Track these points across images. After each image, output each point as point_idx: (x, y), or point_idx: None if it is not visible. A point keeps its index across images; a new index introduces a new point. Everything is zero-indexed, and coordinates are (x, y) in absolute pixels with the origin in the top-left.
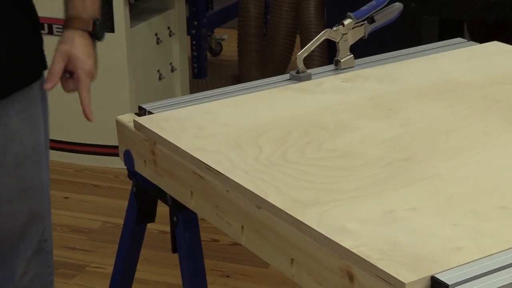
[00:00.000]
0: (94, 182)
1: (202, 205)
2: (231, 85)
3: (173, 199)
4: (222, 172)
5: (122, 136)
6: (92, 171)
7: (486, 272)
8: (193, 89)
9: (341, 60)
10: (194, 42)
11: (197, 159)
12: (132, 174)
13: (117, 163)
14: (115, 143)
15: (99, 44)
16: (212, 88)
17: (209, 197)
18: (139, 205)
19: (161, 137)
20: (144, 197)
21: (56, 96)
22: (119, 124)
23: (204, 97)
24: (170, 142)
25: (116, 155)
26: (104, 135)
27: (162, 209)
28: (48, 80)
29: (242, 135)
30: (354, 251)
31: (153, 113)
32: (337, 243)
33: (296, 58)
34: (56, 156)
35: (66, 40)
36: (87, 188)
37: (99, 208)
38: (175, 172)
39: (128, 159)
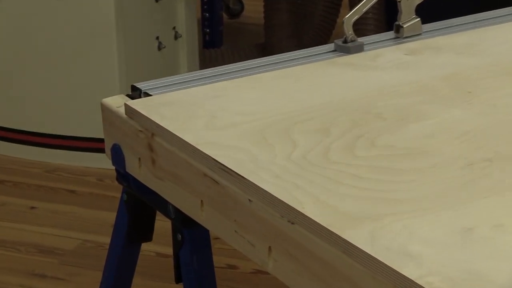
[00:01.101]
0: (70, 187)
1: (216, 219)
2: (254, 57)
3: (177, 211)
4: (243, 175)
5: (108, 126)
6: (68, 172)
7: None
8: (204, 63)
9: (404, 26)
10: (205, 0)
11: (210, 157)
12: (122, 176)
13: (101, 162)
14: (100, 135)
15: (77, 1)
16: (229, 61)
17: (225, 209)
18: (131, 219)
19: (162, 127)
20: (138, 208)
21: (18, 74)
22: (105, 110)
23: (219, 74)
24: (174, 135)
25: (101, 151)
26: (84, 124)
27: (162, 224)
28: None
29: (269, 126)
30: (420, 282)
31: (150, 95)
32: (396, 271)
33: (343, 22)
34: (19, 151)
35: None
36: (61, 195)
37: (77, 222)
38: (180, 174)
39: (117, 156)
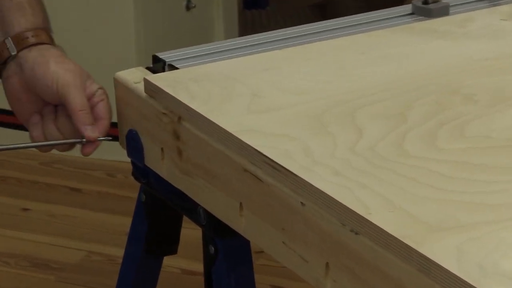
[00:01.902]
0: (72, 184)
1: (258, 227)
2: (309, 21)
3: (209, 216)
4: (294, 172)
5: (123, 107)
6: (70, 165)
7: None
8: (245, 28)
9: None
10: None
11: (252, 148)
12: (140, 171)
13: (112, 153)
14: (112, 119)
15: None
16: (277, 26)
17: (271, 214)
18: (150, 225)
19: (191, 109)
20: (160, 212)
21: None
22: (119, 86)
23: (264, 42)
24: (206, 119)
25: (113, 139)
26: None
27: (190, 233)
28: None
29: (328, 109)
30: None
31: (177, 68)
32: None
33: None
34: (11, 137)
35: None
36: (60, 194)
37: (80, 229)
38: (214, 169)
39: (134, 146)
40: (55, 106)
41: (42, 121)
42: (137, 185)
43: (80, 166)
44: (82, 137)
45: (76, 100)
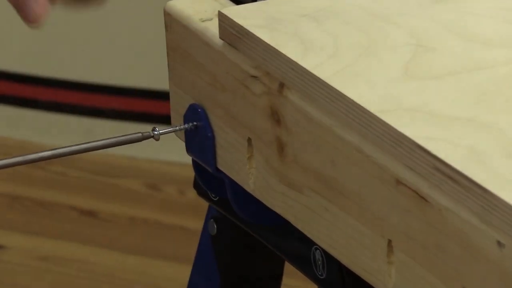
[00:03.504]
0: (82, 203)
1: (421, 283)
2: None
3: (331, 264)
4: (489, 189)
5: (180, 64)
6: (85, 167)
7: None
8: None
9: None
10: None
11: (413, 142)
12: (209, 181)
13: (156, 148)
14: (156, 85)
15: None
16: None
17: (442, 261)
18: (227, 276)
19: (305, 70)
20: (244, 254)
21: None
22: (173, 26)
23: None
24: (332, 89)
25: (158, 120)
26: (116, 64)
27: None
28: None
29: None
30: None
31: None
32: None
33: None
34: None
35: None
36: (65, 218)
37: (98, 277)
38: (342, 180)
39: (198, 135)
40: None
41: None
42: (200, 205)
43: (95, 169)
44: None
45: None
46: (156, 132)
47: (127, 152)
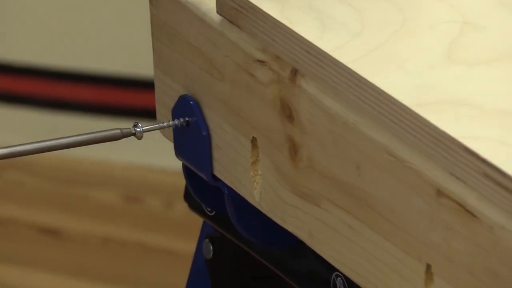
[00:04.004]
0: (44, 221)
1: None
2: None
3: None
4: None
5: (168, 46)
6: (47, 174)
7: None
8: None
9: None
10: None
11: (459, 144)
12: (202, 192)
13: (135, 149)
14: (139, 71)
15: None
16: None
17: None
18: None
19: (325, 53)
20: (246, 276)
21: None
22: (161, 1)
23: None
24: (358, 76)
25: (139, 115)
26: (93, 48)
27: None
28: None
29: None
30: None
31: None
32: None
33: None
34: None
35: None
36: (23, 236)
37: None
38: (370, 190)
39: (191, 134)
40: None
41: None
42: (191, 222)
43: (53, 173)
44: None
45: None
46: (138, 129)
47: (101, 155)
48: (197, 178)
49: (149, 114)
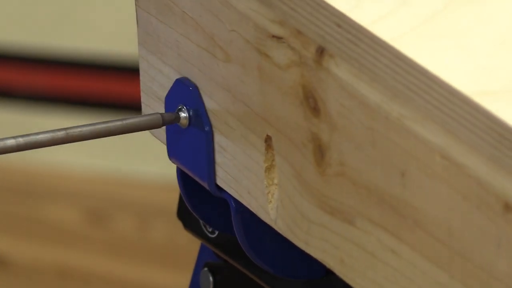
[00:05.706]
0: None
1: None
2: None
3: None
4: None
5: (154, 13)
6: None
7: None
8: None
9: None
10: None
11: None
12: (201, 207)
13: (113, 152)
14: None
15: None
16: None
17: None
18: None
19: (360, 27)
20: None
21: None
22: None
23: None
24: (402, 56)
25: (117, 108)
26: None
27: None
28: None
29: None
30: None
31: None
32: None
33: None
34: None
35: None
36: None
37: None
38: (420, 205)
39: (189, 131)
40: None
41: None
42: (179, 247)
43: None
44: None
45: None
46: (184, 115)
47: (57, 160)
48: (195, 187)
49: (131, 106)
